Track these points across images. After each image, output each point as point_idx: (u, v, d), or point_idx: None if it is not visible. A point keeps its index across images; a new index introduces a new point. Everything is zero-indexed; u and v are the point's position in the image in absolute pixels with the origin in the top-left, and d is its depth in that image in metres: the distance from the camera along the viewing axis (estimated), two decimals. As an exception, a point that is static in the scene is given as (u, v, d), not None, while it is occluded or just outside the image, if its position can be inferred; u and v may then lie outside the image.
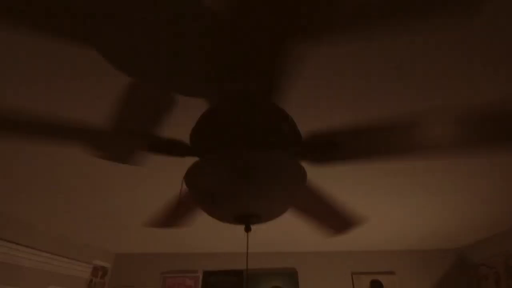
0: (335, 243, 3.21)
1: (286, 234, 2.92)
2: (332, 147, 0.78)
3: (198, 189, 0.75)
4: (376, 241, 3.15)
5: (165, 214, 1.39)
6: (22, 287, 2.46)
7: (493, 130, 0.79)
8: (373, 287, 3.20)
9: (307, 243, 3.23)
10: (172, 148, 0.82)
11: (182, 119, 1.08)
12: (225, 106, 0.77)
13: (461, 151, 0.89)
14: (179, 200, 1.18)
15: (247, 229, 0.77)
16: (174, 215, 1.41)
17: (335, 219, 1.30)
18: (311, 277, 3.35)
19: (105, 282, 3.47)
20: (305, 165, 1.31)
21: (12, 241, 2.42)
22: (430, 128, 0.78)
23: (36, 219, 2.47)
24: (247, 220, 0.75)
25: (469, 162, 1.51)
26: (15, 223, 2.45)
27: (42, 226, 2.65)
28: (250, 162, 0.67)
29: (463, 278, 3.20)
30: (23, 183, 1.73)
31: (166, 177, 1.62)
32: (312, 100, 0.98)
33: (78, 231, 2.80)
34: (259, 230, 2.72)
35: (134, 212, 2.20)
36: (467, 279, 3.19)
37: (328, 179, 1.58)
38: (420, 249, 3.37)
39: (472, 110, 0.92)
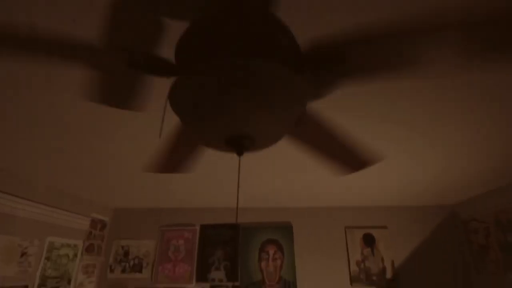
0: (330, 199, 3.25)
1: (282, 189, 2.94)
2: (335, 59, 0.70)
3: (184, 108, 0.68)
4: (369, 197, 3.19)
5: (164, 157, 1.35)
6: (22, 236, 2.50)
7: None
8: (365, 240, 3.31)
9: (302, 199, 3.27)
10: (155, 65, 0.74)
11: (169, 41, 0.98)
12: (214, 15, 0.68)
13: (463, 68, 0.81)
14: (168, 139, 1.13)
15: (239, 152, 0.71)
16: (172, 158, 1.37)
17: (347, 156, 1.23)
18: (305, 231, 3.44)
19: (104, 235, 3.56)
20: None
21: (9, 192, 2.42)
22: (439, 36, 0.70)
23: (32, 173, 2.45)
24: (239, 141, 0.69)
25: (469, 112, 1.45)
26: (12, 176, 2.43)
27: (39, 180, 2.64)
28: (243, 71, 0.60)
29: (454, 233, 3.30)
30: (19, 136, 1.67)
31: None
32: (311, 3, 0.86)
33: (75, 185, 2.79)
34: (255, 185, 2.73)
35: (132, 162, 2.17)
36: (457, 234, 3.28)
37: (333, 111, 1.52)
38: (412, 205, 3.43)
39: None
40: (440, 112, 1.49)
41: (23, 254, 2.48)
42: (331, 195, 3.13)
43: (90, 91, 1.27)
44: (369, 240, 3.30)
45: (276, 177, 2.50)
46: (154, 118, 1.51)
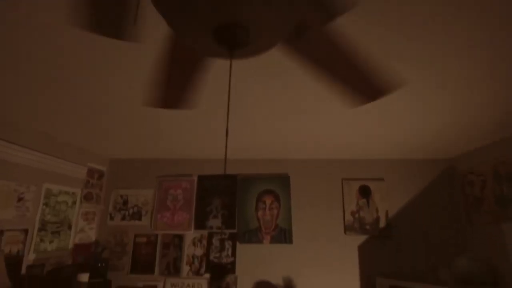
0: (328, 151, 3.22)
1: (280, 140, 2.89)
2: None
3: None
4: (367, 150, 3.16)
5: (161, 89, 1.24)
6: (17, 182, 2.48)
7: None
8: (361, 192, 3.34)
9: (300, 151, 3.24)
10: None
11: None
12: None
13: None
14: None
15: (231, 46, 0.60)
16: (170, 90, 1.26)
17: (363, 82, 1.11)
18: (303, 182, 3.47)
19: (102, 184, 3.58)
20: None
21: (4, 139, 2.34)
22: None
23: (26, 119, 2.35)
24: (230, 32, 0.57)
25: (469, 58, 1.32)
26: (5, 123, 2.34)
27: (33, 127, 2.56)
28: None
29: (449, 186, 3.33)
30: (12, 79, 1.54)
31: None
32: None
33: (70, 133, 2.72)
34: (254, 134, 2.66)
35: (129, 103, 2.07)
36: (453, 187, 3.32)
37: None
38: (410, 158, 3.41)
39: None
40: (459, 46, 1.36)
41: (20, 199, 2.48)
42: (329, 148, 3.09)
43: (79, 16, 1.13)
44: (365, 192, 3.34)
45: (274, 124, 2.42)
46: (152, 49, 1.38)
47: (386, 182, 3.37)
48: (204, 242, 3.37)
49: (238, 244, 3.33)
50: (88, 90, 1.81)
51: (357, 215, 3.29)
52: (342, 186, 3.40)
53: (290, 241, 3.28)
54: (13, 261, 2.37)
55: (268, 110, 2.09)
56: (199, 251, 3.35)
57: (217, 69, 1.56)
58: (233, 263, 3.28)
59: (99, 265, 3.19)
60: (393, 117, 2.20)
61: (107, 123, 2.44)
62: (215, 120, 2.30)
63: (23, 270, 2.49)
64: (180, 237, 3.40)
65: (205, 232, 3.40)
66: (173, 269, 3.32)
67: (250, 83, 1.71)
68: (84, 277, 2.80)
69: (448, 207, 3.27)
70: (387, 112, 2.12)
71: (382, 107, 2.03)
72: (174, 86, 1.15)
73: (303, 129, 2.50)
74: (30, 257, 2.57)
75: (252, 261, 3.28)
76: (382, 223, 3.25)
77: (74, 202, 3.13)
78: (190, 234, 3.41)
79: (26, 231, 2.53)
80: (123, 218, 3.51)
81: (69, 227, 3.06)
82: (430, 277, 2.94)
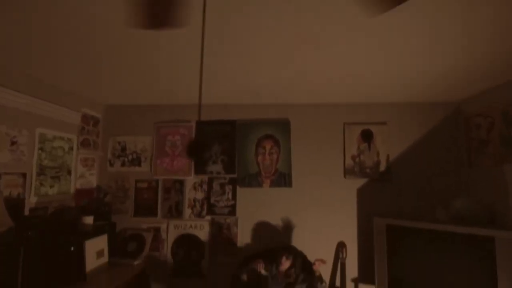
0: (329, 95, 3.08)
1: (279, 84, 2.73)
2: None
3: None
4: (370, 93, 3.02)
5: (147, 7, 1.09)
6: (9, 126, 2.40)
7: None
8: (363, 136, 3.28)
9: (301, 95, 3.10)
10: None
11: None
12: None
13: None
14: None
15: None
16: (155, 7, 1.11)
17: None
18: (303, 127, 3.38)
19: (98, 131, 3.51)
20: None
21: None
22: None
23: (15, 61, 2.18)
24: None
25: None
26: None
27: (22, 70, 2.39)
28: None
29: (454, 129, 3.24)
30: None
31: None
32: None
33: (61, 76, 2.57)
34: (254, 75, 2.50)
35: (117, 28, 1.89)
36: (457, 131, 3.24)
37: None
38: (415, 101, 3.28)
39: None
40: None
41: (13, 143, 2.42)
42: (331, 91, 2.95)
43: None
44: (367, 136, 3.27)
45: (278, 61, 2.26)
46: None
47: (388, 126, 3.28)
48: (205, 186, 3.40)
49: (238, 188, 3.36)
50: (74, 20, 1.63)
51: (357, 159, 3.27)
52: (343, 131, 3.32)
53: (290, 185, 3.30)
54: (14, 203, 2.39)
55: (274, 43, 1.91)
56: (200, 195, 3.40)
57: None
58: (233, 206, 3.35)
59: (102, 209, 3.26)
60: (403, 54, 2.03)
61: (100, 66, 2.27)
62: (214, 59, 2.13)
63: (26, 212, 2.53)
64: (181, 182, 3.43)
65: (205, 177, 3.41)
66: (175, 212, 3.40)
67: (248, 12, 1.52)
68: (89, 219, 2.87)
69: (450, 151, 3.23)
70: (397, 48, 1.94)
71: (393, 42, 1.85)
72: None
73: (308, 67, 2.33)
74: (31, 200, 2.59)
75: (252, 204, 3.34)
76: (382, 167, 3.23)
77: (71, 148, 3.09)
78: (191, 179, 3.43)
79: (24, 175, 2.52)
80: (123, 165, 3.50)
81: (69, 173, 3.05)
82: (427, 218, 3.00)
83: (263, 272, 2.56)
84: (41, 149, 2.69)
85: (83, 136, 3.25)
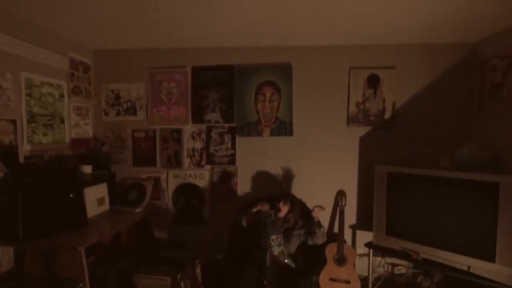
0: (333, 36, 2.84)
1: (281, 25, 2.49)
2: None
3: None
4: (377, 34, 2.77)
5: None
6: (-9, 70, 2.24)
7: None
8: (369, 81, 3.09)
9: (303, 37, 2.86)
10: None
11: None
12: None
13: None
14: None
15: None
16: None
17: None
18: (306, 72, 3.18)
19: (90, 78, 3.33)
20: None
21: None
22: None
23: None
24: None
25: None
26: None
27: (2, 8, 2.17)
28: None
29: (467, 73, 3.04)
30: None
31: None
32: None
33: (45, 17, 2.34)
34: (254, 12, 2.26)
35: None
36: (471, 74, 3.03)
37: None
38: (427, 42, 3.02)
39: None
40: None
41: (-3, 88, 2.28)
42: (336, 31, 2.70)
43: None
44: (373, 81, 3.09)
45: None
46: None
47: (397, 70, 3.07)
48: (203, 136, 3.32)
49: (237, 137, 3.28)
50: None
51: (362, 106, 3.12)
52: (348, 76, 3.12)
53: (291, 134, 3.21)
54: (7, 150, 2.32)
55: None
56: (198, 145, 3.33)
57: None
58: (233, 156, 3.30)
59: (101, 159, 3.21)
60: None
61: (86, 5, 2.04)
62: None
63: (21, 161, 2.48)
64: (179, 131, 3.34)
65: (203, 126, 3.31)
66: (174, 161, 3.36)
67: None
68: (87, 169, 2.84)
69: (460, 96, 3.06)
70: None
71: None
72: None
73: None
74: (25, 148, 2.53)
75: (252, 153, 3.28)
76: (387, 114, 3.10)
77: (62, 96, 2.95)
78: (189, 129, 3.33)
79: (14, 122, 2.42)
80: (118, 114, 3.38)
81: (62, 121, 2.95)
82: (430, 165, 2.94)
83: (265, 209, 2.56)
84: (29, 95, 2.56)
85: (74, 83, 3.09)
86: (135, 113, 3.36)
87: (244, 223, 2.60)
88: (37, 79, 2.64)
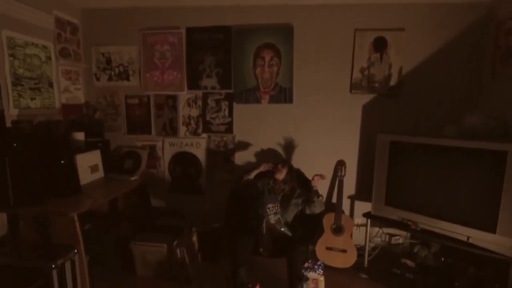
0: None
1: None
2: None
3: None
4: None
5: None
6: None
7: None
8: (376, 45, 2.89)
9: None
10: None
11: None
12: None
13: None
14: None
15: None
16: None
17: None
18: (308, 34, 2.98)
19: (79, 40, 3.14)
20: None
21: None
22: None
23: None
24: None
25: None
26: None
27: None
28: None
29: (480, 35, 2.83)
30: None
31: None
32: None
33: None
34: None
35: None
36: (484, 37, 2.82)
37: None
38: (436, 1, 2.77)
39: None
40: None
41: (-25, 46, 2.12)
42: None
43: None
44: (380, 45, 2.89)
45: None
46: None
47: (406, 33, 2.86)
48: (199, 102, 3.19)
49: (235, 105, 3.15)
50: None
51: (366, 72, 2.95)
52: (354, 38, 2.92)
53: (290, 101, 3.06)
54: (-9, 113, 2.21)
55: None
56: (194, 112, 3.21)
57: None
58: (230, 124, 3.18)
59: (94, 125, 3.11)
60: None
61: None
62: None
63: (8, 125, 2.38)
64: (174, 98, 3.20)
65: (199, 93, 3.17)
66: (170, 129, 3.25)
67: None
68: (80, 135, 2.74)
69: (471, 61, 2.86)
70: None
71: None
72: None
73: None
74: (12, 112, 2.41)
75: (250, 121, 3.16)
76: (393, 81, 2.93)
77: (49, 58, 2.78)
78: (184, 95, 3.19)
79: (-3, 84, 2.29)
80: (110, 79, 3.23)
81: (51, 85, 2.81)
82: (435, 134, 2.83)
83: (269, 168, 2.58)
84: (12, 55, 2.40)
85: (61, 45, 2.91)
86: (127, 78, 3.21)
87: (245, 178, 2.57)
88: (20, 38, 2.47)
